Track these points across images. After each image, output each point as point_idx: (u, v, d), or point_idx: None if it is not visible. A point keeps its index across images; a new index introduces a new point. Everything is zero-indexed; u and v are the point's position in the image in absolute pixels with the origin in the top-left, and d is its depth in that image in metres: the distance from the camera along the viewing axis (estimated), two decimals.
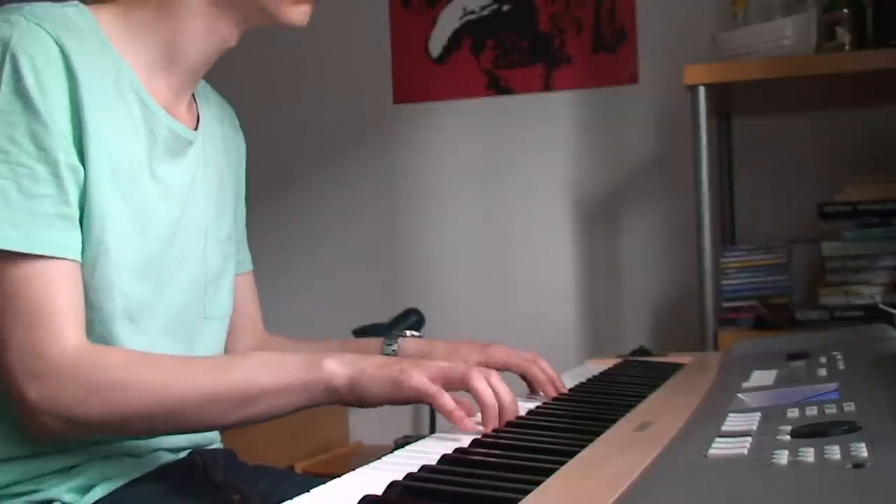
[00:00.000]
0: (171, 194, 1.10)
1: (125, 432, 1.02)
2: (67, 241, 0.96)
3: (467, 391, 0.97)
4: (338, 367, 0.98)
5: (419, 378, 0.96)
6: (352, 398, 0.99)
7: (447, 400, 0.95)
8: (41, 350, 0.93)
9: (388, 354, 1.27)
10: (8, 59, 0.94)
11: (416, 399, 0.97)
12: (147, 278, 1.07)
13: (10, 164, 0.93)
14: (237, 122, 1.31)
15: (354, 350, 1.29)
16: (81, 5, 1.04)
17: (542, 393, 1.19)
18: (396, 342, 1.28)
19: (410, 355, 1.26)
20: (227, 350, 1.31)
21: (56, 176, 0.95)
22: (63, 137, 0.96)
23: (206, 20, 1.08)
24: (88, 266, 0.99)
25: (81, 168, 0.97)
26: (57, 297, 0.94)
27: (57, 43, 0.96)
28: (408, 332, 1.32)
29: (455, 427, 0.95)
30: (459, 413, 0.94)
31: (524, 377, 1.22)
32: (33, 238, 0.93)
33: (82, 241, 0.98)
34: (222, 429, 1.02)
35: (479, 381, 0.96)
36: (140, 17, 1.06)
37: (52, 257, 0.94)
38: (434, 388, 0.96)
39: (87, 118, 0.98)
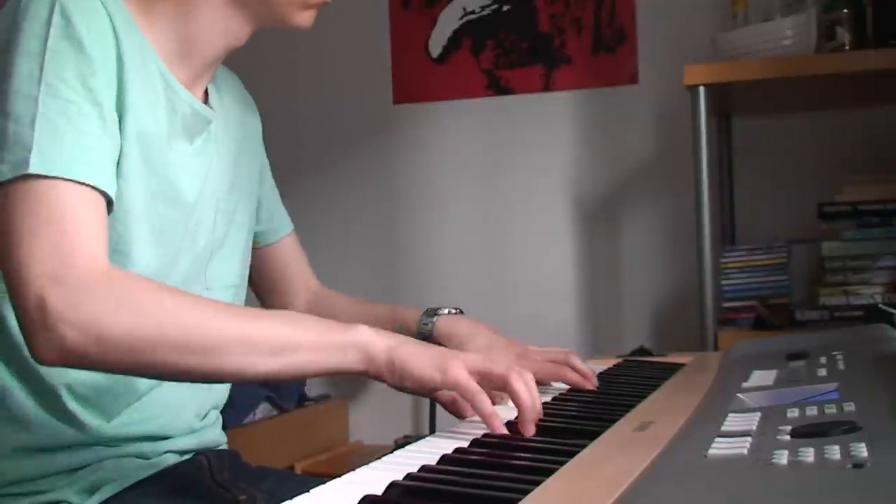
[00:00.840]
0: (191, 170, 1.12)
1: (150, 363, 0.91)
2: (106, 177, 0.96)
3: (505, 392, 0.95)
4: (374, 335, 0.96)
5: (461, 371, 0.94)
6: (389, 373, 0.95)
7: (486, 404, 0.92)
8: (70, 257, 0.88)
9: (421, 331, 1.25)
10: (58, 9, 0.95)
11: (452, 389, 0.95)
12: (165, 246, 1.07)
13: (60, 100, 0.93)
14: (243, 87, 1.33)
15: (396, 313, 1.30)
16: None
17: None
18: (433, 320, 1.26)
19: (446, 338, 1.24)
20: (282, 309, 1.33)
21: (102, 118, 0.96)
22: (109, 86, 0.98)
23: (222, 17, 1.10)
24: (111, 227, 0.98)
25: (118, 122, 0.99)
26: (90, 218, 0.92)
27: (106, 9, 0.99)
28: (444, 310, 1.28)
29: (455, 427, 0.95)
30: (498, 422, 0.92)
31: None
32: (76, 168, 0.92)
33: None
34: (252, 380, 0.97)
35: (519, 383, 0.93)
36: (161, 8, 1.08)
37: (90, 186, 0.93)
38: (474, 387, 0.93)
39: (126, 81, 1.00)
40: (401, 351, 0.95)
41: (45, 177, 0.91)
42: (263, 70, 2.90)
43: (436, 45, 2.84)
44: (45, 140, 0.91)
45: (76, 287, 0.87)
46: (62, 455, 1.03)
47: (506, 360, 1.10)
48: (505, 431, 0.92)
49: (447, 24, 2.83)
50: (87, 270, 0.89)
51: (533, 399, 0.93)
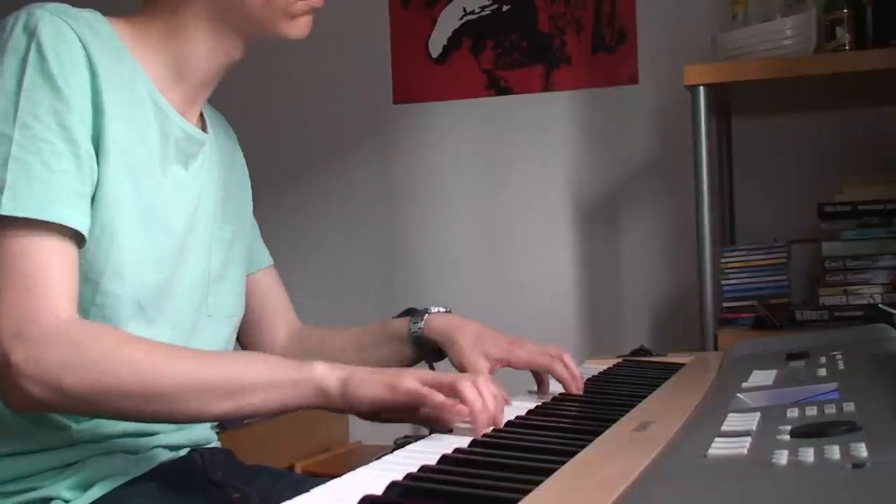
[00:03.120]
0: (183, 194, 1.13)
1: (109, 410, 0.98)
2: (80, 217, 0.97)
3: (456, 397, 0.97)
4: (328, 371, 0.99)
5: (412, 382, 0.97)
6: (341, 402, 0.99)
7: (437, 395, 0.96)
8: (33, 314, 0.92)
9: (413, 332, 1.28)
10: (34, 46, 0.97)
11: (408, 401, 0.97)
12: (159, 270, 1.08)
13: (34, 139, 0.95)
14: (234, 136, 1.34)
15: (386, 327, 1.32)
16: (97, 13, 1.07)
17: (565, 389, 1.19)
18: (422, 319, 1.28)
19: (437, 333, 1.26)
20: (263, 345, 1.34)
21: (76, 155, 0.97)
22: (83, 121, 0.99)
23: (210, 37, 1.11)
24: (102, 250, 1.01)
25: (95, 155, 1.00)
26: (56, 270, 0.95)
27: (79, 38, 1.00)
28: (434, 309, 1.30)
29: (455, 427, 0.95)
30: (450, 401, 0.95)
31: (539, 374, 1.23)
32: (49, 208, 0.94)
33: (96, 227, 1.00)
34: (210, 421, 1.01)
35: (467, 388, 0.96)
36: (150, 32, 1.10)
37: (60, 231, 0.95)
38: (425, 390, 0.97)
39: (104, 110, 1.00)
40: (352, 380, 0.98)
41: (17, 218, 0.93)
42: (263, 70, 2.89)
43: (436, 45, 2.84)
44: (18, 181, 0.94)
45: (37, 344, 0.92)
46: (52, 455, 1.03)
47: (490, 354, 1.19)
48: (465, 411, 0.94)
49: (447, 24, 2.83)
50: (48, 326, 0.92)
51: (485, 402, 0.96)
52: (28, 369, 0.91)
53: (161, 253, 1.08)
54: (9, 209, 0.93)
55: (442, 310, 1.31)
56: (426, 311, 1.29)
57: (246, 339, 1.35)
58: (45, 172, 0.95)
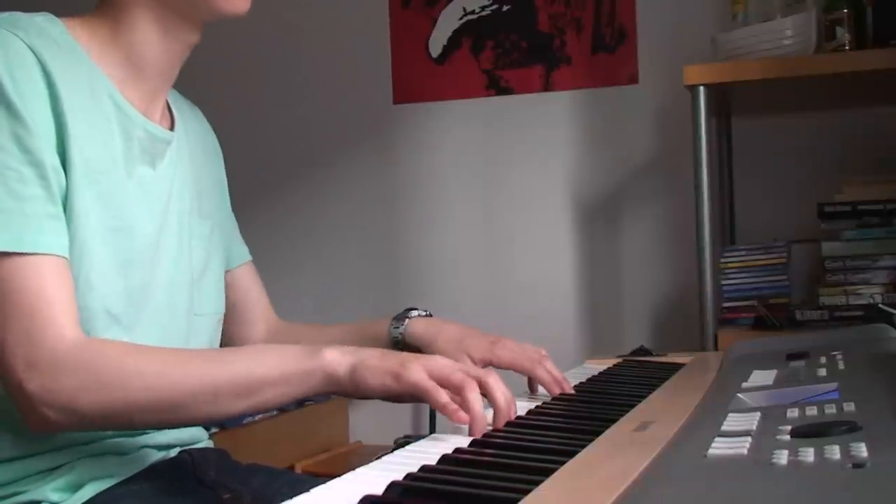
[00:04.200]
0: (151, 196, 1.11)
1: (125, 424, 1.00)
2: (57, 240, 0.97)
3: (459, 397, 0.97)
4: (337, 356, 0.99)
5: (418, 373, 0.96)
6: (351, 388, 0.98)
7: (441, 394, 0.95)
8: (39, 340, 0.93)
9: (394, 336, 1.28)
10: None
11: (411, 393, 0.97)
12: (129, 277, 1.07)
13: None
14: (206, 121, 1.32)
15: (366, 330, 1.31)
16: (51, 15, 1.05)
17: (547, 392, 1.19)
18: (403, 324, 1.28)
19: (417, 337, 1.26)
20: (241, 341, 1.33)
21: (43, 177, 0.96)
22: (45, 139, 0.97)
23: (157, 26, 1.09)
24: (74, 264, 1.00)
25: (62, 169, 0.99)
26: (52, 291, 0.95)
27: (31, 49, 0.98)
28: (414, 313, 1.30)
29: (455, 427, 0.95)
30: (453, 406, 0.94)
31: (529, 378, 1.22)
32: (24, 239, 0.94)
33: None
34: (224, 420, 1.02)
35: (472, 391, 0.95)
36: (102, 30, 1.08)
37: (44, 255, 0.95)
38: (430, 384, 0.96)
39: (65, 121, 0.99)
40: (361, 366, 0.98)
41: (1, 253, 0.93)
42: (263, 71, 2.90)
43: (436, 45, 2.84)
44: None
45: (48, 371, 0.93)
46: (39, 458, 1.03)
47: (474, 357, 1.18)
48: (466, 419, 0.93)
49: (447, 24, 2.83)
50: (56, 351, 0.94)
51: (493, 398, 0.96)
52: (43, 396, 0.93)
53: (130, 259, 1.07)
54: None
55: (423, 313, 1.31)
56: (407, 314, 1.29)
57: (224, 335, 1.33)
58: (15, 202, 0.94)
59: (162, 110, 1.16)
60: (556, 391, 1.17)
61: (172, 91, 1.23)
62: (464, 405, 0.94)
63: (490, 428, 0.95)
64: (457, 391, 0.96)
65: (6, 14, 1.00)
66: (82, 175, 1.00)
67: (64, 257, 0.97)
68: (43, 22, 1.03)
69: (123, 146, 1.07)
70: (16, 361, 0.93)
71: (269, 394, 0.98)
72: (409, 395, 0.98)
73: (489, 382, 0.97)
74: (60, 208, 0.98)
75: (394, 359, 0.99)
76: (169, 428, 1.09)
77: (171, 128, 1.18)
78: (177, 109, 1.22)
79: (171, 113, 1.20)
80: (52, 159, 0.97)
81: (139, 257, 1.09)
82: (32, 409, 0.94)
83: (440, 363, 0.98)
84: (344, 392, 1.00)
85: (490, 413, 0.97)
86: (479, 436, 0.92)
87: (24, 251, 0.94)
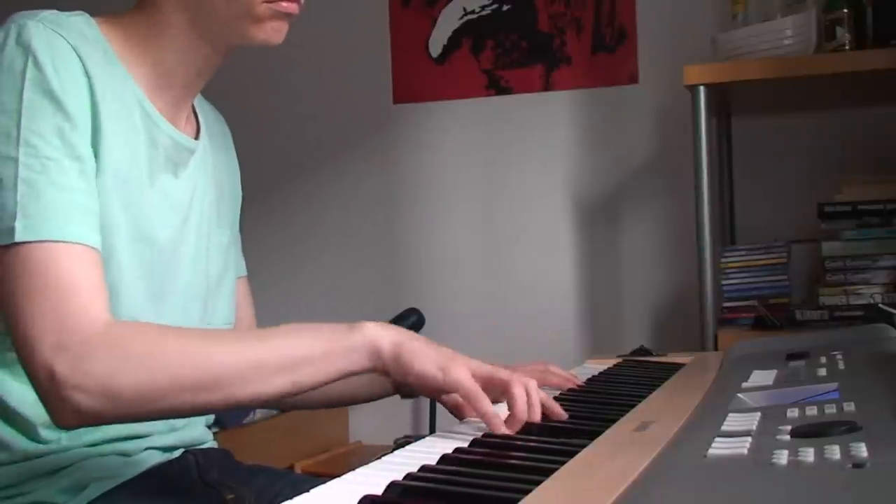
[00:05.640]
0: (173, 204, 1.11)
1: (164, 408, 0.93)
2: (92, 234, 0.96)
3: (504, 397, 0.97)
4: (380, 330, 0.97)
5: (462, 371, 0.95)
6: (394, 366, 0.96)
7: (487, 404, 0.94)
8: (71, 322, 0.90)
9: None
10: (31, 60, 0.95)
11: (453, 389, 0.96)
12: (149, 285, 1.07)
13: (39, 158, 0.93)
14: (227, 128, 1.32)
15: None
16: (87, 15, 1.05)
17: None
18: None
19: None
20: None
21: (83, 172, 0.96)
22: (86, 137, 0.97)
23: (187, 43, 1.08)
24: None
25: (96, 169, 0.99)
26: (86, 277, 0.93)
27: (74, 49, 0.98)
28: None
29: (455, 427, 0.95)
30: (499, 422, 0.93)
31: None
32: (65, 229, 0.93)
33: None
34: (264, 402, 0.99)
35: (519, 389, 0.95)
36: (135, 35, 1.07)
37: (78, 244, 0.93)
38: (475, 388, 0.95)
39: (101, 123, 0.99)
40: (406, 347, 0.96)
41: (34, 242, 0.91)
42: (264, 71, 2.90)
43: (436, 45, 2.84)
44: (29, 204, 0.92)
45: (81, 352, 0.88)
46: (42, 461, 1.02)
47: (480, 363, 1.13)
48: (506, 431, 0.92)
49: (447, 24, 2.83)
50: (88, 333, 0.90)
51: (530, 408, 0.95)
52: (76, 379, 0.88)
53: (151, 268, 1.07)
54: (24, 236, 0.91)
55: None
56: None
57: None
58: (55, 192, 0.93)
59: (187, 116, 1.16)
60: (570, 386, 1.19)
61: (198, 96, 1.22)
62: (511, 403, 0.94)
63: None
64: (504, 387, 0.96)
65: (49, 12, 0.99)
66: (111, 180, 1.00)
67: (97, 250, 0.96)
68: (80, 23, 1.02)
69: (148, 154, 1.07)
70: (45, 345, 0.88)
71: (311, 369, 0.95)
72: (446, 390, 0.97)
73: (530, 387, 0.97)
74: (97, 204, 0.98)
75: (441, 349, 0.97)
76: (212, 411, 1.03)
77: (196, 135, 1.18)
78: (202, 116, 1.21)
79: (196, 119, 1.19)
80: (91, 160, 0.97)
81: (158, 266, 1.08)
82: (64, 397, 0.88)
83: (480, 364, 0.98)
84: (383, 371, 0.97)
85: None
86: (503, 430, 0.92)
87: (58, 239, 0.92)
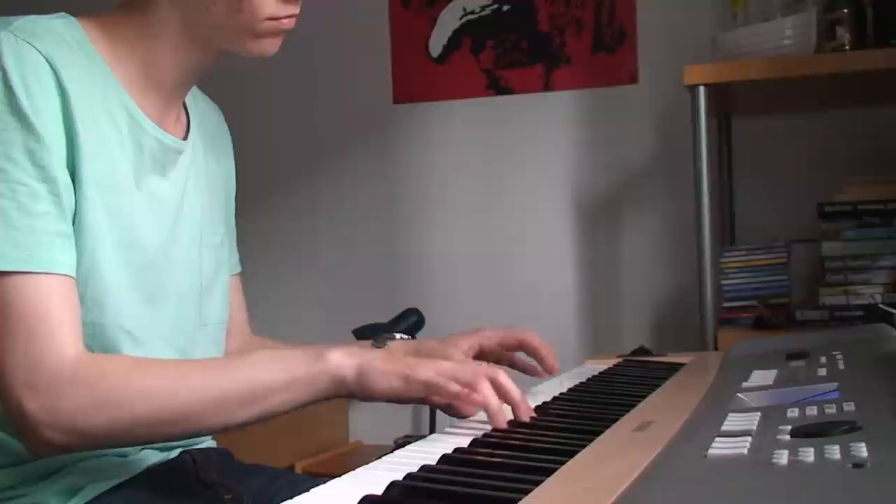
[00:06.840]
0: (162, 207, 1.10)
1: (131, 441, 1.00)
2: (65, 259, 0.95)
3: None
4: (344, 359, 0.98)
5: (428, 372, 0.96)
6: (359, 390, 0.98)
7: (453, 385, 0.95)
8: (41, 361, 0.91)
9: None
10: (0, 77, 0.93)
11: (424, 393, 0.97)
12: (140, 291, 1.06)
13: (9, 183, 0.92)
14: (224, 121, 1.31)
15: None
16: (70, 17, 1.03)
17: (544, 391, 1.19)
18: (385, 345, 1.26)
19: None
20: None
21: (55, 194, 0.95)
22: (58, 155, 0.95)
23: (180, 44, 1.06)
24: (81, 282, 0.98)
25: (72, 185, 0.97)
26: (55, 311, 0.93)
27: (47, 60, 0.96)
28: (397, 335, 1.30)
29: (455, 427, 0.95)
30: (465, 391, 0.95)
31: (512, 365, 1.23)
32: (35, 257, 0.92)
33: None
34: (231, 430, 1.01)
35: (485, 386, 0.95)
36: (123, 35, 1.06)
37: (50, 274, 0.93)
38: (441, 378, 0.96)
39: (78, 135, 0.97)
40: (369, 367, 0.97)
41: (3, 273, 0.91)
42: (263, 70, 2.89)
43: (436, 45, 2.84)
44: None
45: (49, 391, 0.91)
46: (39, 463, 1.02)
47: (461, 344, 1.18)
48: (481, 402, 0.94)
49: (447, 23, 2.83)
50: (57, 372, 0.92)
51: (508, 395, 0.96)
52: (44, 418, 0.91)
53: (140, 272, 1.06)
54: None
55: (406, 337, 1.31)
56: (388, 338, 1.27)
57: None
58: (25, 219, 0.92)
59: (177, 115, 1.15)
60: (551, 360, 1.20)
61: (193, 88, 1.20)
62: (483, 402, 0.95)
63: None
64: (469, 386, 0.96)
65: (24, 20, 0.97)
66: (93, 190, 0.99)
67: (71, 277, 0.96)
68: (61, 27, 1.00)
69: (134, 157, 1.06)
70: (15, 383, 0.91)
71: (276, 400, 0.97)
72: (418, 396, 0.98)
73: (499, 377, 0.97)
74: (70, 226, 0.97)
75: (400, 361, 0.98)
76: (177, 440, 1.08)
77: (186, 134, 1.16)
78: (194, 111, 1.20)
79: (187, 115, 1.18)
80: (63, 175, 0.96)
81: (149, 269, 1.08)
82: (34, 432, 0.91)
83: (446, 363, 0.99)
84: (350, 395, 0.99)
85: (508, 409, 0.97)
86: (503, 426, 0.93)
87: (31, 270, 0.92)
